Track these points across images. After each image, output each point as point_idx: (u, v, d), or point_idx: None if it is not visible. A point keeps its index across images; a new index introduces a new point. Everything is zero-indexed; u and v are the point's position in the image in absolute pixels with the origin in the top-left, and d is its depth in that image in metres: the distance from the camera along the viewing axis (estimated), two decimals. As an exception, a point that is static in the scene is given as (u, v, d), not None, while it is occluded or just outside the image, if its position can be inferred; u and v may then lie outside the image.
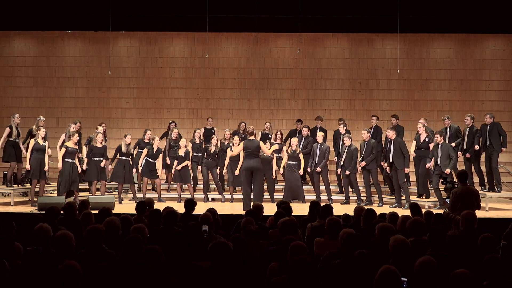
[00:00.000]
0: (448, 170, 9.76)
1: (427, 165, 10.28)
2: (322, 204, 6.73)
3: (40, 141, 10.08)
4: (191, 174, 11.28)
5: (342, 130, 11.34)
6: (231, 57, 13.57)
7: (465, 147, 10.72)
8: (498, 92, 13.40)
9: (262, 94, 13.53)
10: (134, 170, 10.90)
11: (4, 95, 13.51)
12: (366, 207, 6.67)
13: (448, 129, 10.86)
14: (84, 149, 11.06)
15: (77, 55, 13.57)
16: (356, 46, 13.49)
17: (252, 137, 9.76)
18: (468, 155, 10.64)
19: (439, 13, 12.81)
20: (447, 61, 13.43)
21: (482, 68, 13.40)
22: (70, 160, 9.96)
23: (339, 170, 11.05)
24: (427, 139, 10.52)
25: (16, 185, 10.83)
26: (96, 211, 6.47)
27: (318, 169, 10.95)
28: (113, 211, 8.75)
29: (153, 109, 13.56)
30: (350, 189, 11.15)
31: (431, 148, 10.43)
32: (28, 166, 9.96)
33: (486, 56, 13.40)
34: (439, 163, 10.02)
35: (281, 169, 11.20)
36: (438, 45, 13.47)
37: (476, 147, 10.53)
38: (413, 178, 11.32)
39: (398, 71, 12.89)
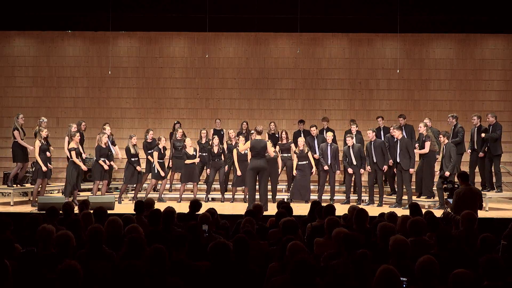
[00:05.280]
0: (447, 173, 9.70)
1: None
2: (324, 204, 6.71)
3: (44, 142, 10.28)
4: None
5: (354, 130, 11.41)
6: (231, 57, 13.56)
7: (475, 147, 10.65)
8: (498, 92, 13.39)
9: (262, 94, 13.52)
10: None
11: (4, 95, 13.49)
12: (367, 207, 6.67)
13: (453, 128, 10.80)
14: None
15: (77, 55, 13.56)
16: (356, 46, 13.48)
17: (259, 137, 9.62)
18: (481, 154, 10.51)
19: (439, 13, 12.79)
20: (447, 61, 13.42)
21: (482, 68, 13.38)
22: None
23: (349, 170, 11.04)
24: (423, 138, 10.45)
25: (16, 185, 10.83)
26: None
27: (338, 172, 11.18)
28: (113, 211, 8.83)
29: (153, 109, 13.55)
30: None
31: (426, 146, 10.35)
32: (44, 168, 10.10)
33: (486, 56, 13.39)
34: (443, 163, 10.01)
35: (294, 171, 11.21)
36: (438, 45, 13.45)
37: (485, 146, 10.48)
38: (413, 178, 11.29)
39: (398, 71, 12.88)
